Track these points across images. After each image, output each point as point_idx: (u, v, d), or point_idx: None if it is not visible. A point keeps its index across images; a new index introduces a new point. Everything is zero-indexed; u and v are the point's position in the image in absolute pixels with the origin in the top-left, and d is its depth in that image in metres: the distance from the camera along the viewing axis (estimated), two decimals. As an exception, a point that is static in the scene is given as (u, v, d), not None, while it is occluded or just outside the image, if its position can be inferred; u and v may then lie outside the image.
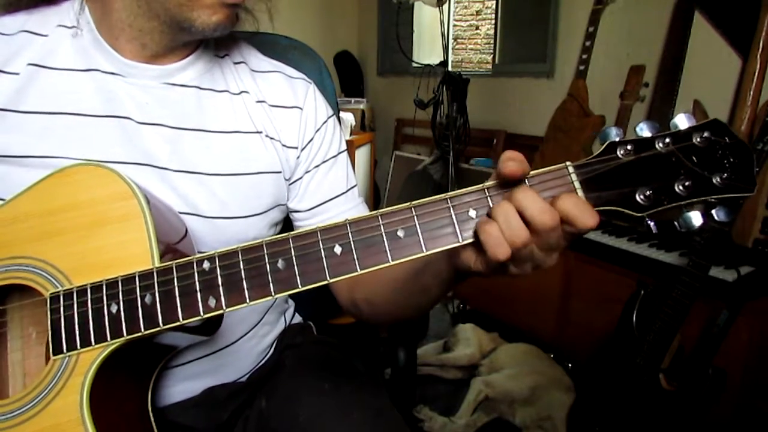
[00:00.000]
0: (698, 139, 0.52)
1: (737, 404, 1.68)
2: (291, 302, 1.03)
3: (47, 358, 0.61)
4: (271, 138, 0.83)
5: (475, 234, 0.52)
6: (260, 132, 0.82)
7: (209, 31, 0.71)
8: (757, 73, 1.93)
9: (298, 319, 1.03)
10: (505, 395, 1.99)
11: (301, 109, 0.85)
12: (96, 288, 0.60)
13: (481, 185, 0.54)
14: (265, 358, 0.93)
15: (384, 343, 1.13)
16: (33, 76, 0.73)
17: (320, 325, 1.05)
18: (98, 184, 0.64)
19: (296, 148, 0.85)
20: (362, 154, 3.22)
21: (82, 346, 0.59)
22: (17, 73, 0.72)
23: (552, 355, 2.22)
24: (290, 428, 0.79)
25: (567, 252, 2.18)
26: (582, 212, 0.51)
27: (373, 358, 1.19)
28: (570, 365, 2.16)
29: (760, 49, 1.92)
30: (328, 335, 1.01)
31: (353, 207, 0.89)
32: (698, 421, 1.51)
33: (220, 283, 0.57)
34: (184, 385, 0.82)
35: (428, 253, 0.53)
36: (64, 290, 0.61)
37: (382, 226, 0.54)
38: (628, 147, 0.53)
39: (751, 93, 1.95)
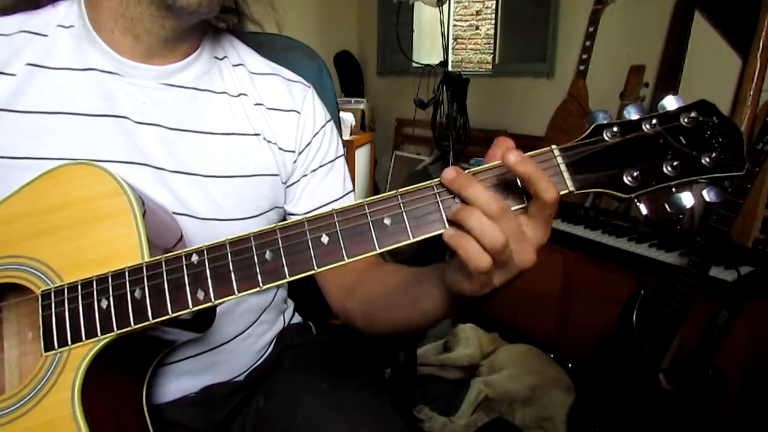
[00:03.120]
0: (686, 120, 0.52)
1: (737, 404, 1.67)
2: (290, 302, 1.02)
3: (43, 357, 0.61)
4: (269, 141, 0.83)
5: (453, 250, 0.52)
6: (258, 134, 0.82)
7: (193, 9, 0.70)
8: (757, 73, 1.93)
9: (297, 319, 1.02)
10: (505, 395, 1.99)
11: (298, 113, 0.85)
12: (86, 284, 0.60)
13: (466, 171, 0.53)
14: (263, 357, 0.93)
15: (384, 343, 1.13)
16: (31, 76, 0.72)
17: (320, 325, 1.04)
18: (88, 182, 0.64)
19: (293, 151, 0.85)
20: (362, 154, 3.22)
21: (72, 342, 0.59)
22: (14, 74, 0.72)
23: (552, 355, 2.21)
24: (288, 428, 0.78)
25: (567, 252, 2.18)
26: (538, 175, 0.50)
27: (373, 358, 1.19)
28: (570, 365, 2.15)
29: (760, 49, 1.92)
30: (328, 335, 1.01)
31: None
32: (698, 421, 1.51)
33: (208, 275, 0.57)
34: (180, 382, 0.82)
35: (415, 240, 0.53)
36: (55, 287, 0.61)
37: (368, 215, 0.54)
38: (615, 129, 0.53)
39: (751, 93, 1.95)
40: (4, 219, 0.65)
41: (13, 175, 0.69)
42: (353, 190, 0.92)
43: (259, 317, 0.91)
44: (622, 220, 2.13)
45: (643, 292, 1.64)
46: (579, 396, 1.90)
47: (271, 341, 0.94)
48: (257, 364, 0.91)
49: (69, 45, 0.75)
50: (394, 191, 0.54)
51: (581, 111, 2.53)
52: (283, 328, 0.97)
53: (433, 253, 0.61)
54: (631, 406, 1.59)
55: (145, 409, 0.69)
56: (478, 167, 0.54)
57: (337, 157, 0.90)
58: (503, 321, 2.46)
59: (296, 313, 1.03)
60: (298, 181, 0.86)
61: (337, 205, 0.86)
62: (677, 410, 1.51)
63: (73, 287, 0.61)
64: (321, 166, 0.87)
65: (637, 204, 0.53)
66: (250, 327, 0.89)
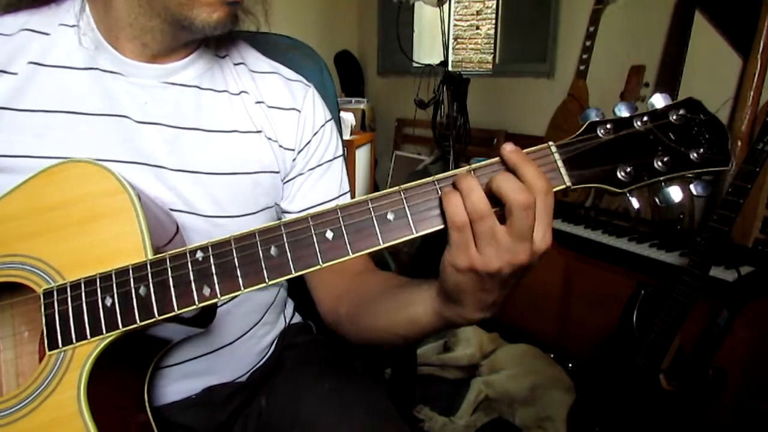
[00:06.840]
0: (674, 117, 0.55)
1: (737, 404, 1.67)
2: (290, 301, 1.02)
3: (41, 357, 0.61)
4: (270, 139, 0.83)
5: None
6: (260, 132, 0.82)
7: (209, 29, 0.71)
8: (757, 73, 1.93)
9: (298, 318, 1.03)
10: (506, 395, 1.99)
11: (299, 111, 0.86)
12: (89, 282, 0.60)
13: (467, 167, 0.55)
14: (265, 358, 0.93)
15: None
16: (32, 75, 0.72)
17: (320, 326, 1.04)
18: (88, 180, 0.64)
19: (293, 150, 0.85)
20: (362, 154, 3.22)
21: (77, 340, 0.59)
22: (16, 73, 0.72)
23: (552, 355, 2.22)
24: (290, 428, 0.79)
25: (567, 252, 2.18)
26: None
27: (373, 358, 1.19)
28: (570, 365, 2.15)
29: (761, 49, 1.92)
30: (328, 336, 1.01)
31: None
32: (698, 421, 1.51)
33: (213, 272, 0.57)
34: (182, 384, 0.82)
35: (418, 234, 0.54)
36: (58, 286, 0.61)
37: (371, 210, 0.55)
38: (608, 126, 0.55)
39: (751, 93, 1.95)
40: (2, 217, 0.65)
41: (12, 173, 0.69)
42: (349, 191, 0.92)
43: (261, 318, 0.91)
44: (622, 220, 2.13)
45: (643, 292, 1.64)
46: (579, 396, 1.90)
47: (273, 341, 0.94)
48: (260, 364, 0.92)
49: (71, 44, 0.75)
50: (397, 187, 0.55)
51: (581, 111, 2.53)
52: (284, 328, 0.97)
53: (430, 256, 0.62)
54: (631, 406, 1.59)
55: (148, 406, 0.69)
56: (479, 164, 0.55)
57: (336, 157, 0.90)
58: (503, 321, 2.46)
59: (296, 313, 1.03)
60: (294, 179, 0.87)
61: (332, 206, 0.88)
62: (677, 410, 1.51)
63: (75, 285, 0.61)
64: (318, 165, 0.88)
65: (629, 198, 0.55)
66: (252, 328, 0.89)
